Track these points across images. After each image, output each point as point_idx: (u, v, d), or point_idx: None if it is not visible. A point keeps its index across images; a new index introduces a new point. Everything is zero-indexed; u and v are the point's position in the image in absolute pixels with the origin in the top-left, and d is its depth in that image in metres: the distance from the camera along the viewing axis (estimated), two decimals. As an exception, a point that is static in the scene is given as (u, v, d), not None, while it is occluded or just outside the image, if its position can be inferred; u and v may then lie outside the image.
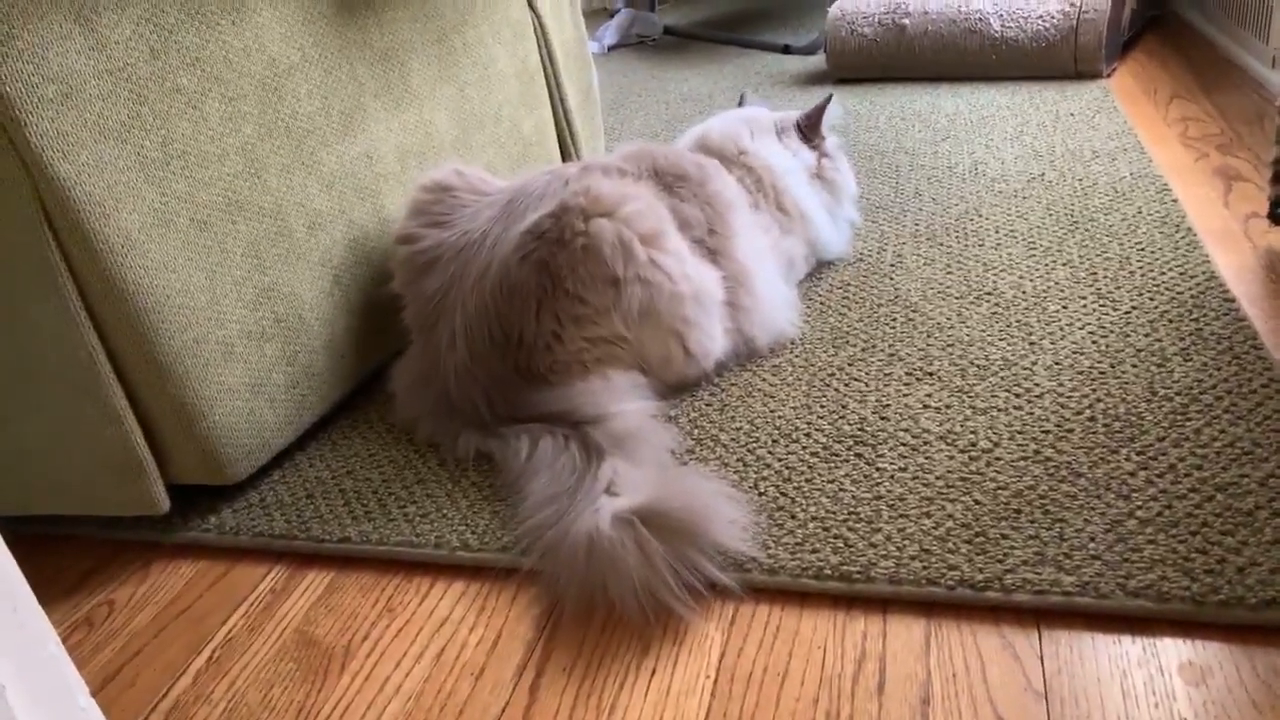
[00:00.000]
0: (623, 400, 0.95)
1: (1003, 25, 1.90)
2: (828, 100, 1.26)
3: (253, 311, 0.94)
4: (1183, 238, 1.17)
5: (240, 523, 0.94)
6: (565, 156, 1.53)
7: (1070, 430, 0.87)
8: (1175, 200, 1.27)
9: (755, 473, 0.89)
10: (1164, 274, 1.10)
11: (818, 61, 2.25)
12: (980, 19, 1.92)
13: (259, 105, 0.94)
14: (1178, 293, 1.06)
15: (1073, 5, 1.83)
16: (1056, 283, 1.12)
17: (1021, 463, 0.84)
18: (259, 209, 0.95)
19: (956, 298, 1.13)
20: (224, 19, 0.90)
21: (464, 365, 0.98)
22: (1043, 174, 1.43)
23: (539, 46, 1.43)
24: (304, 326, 1.01)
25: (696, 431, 0.97)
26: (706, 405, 1.01)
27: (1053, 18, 1.85)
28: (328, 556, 0.90)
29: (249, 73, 0.93)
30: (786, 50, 2.41)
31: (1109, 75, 1.85)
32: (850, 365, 1.03)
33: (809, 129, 1.26)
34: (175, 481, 0.94)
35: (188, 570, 0.91)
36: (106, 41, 0.80)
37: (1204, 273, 1.09)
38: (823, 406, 0.97)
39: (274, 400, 0.97)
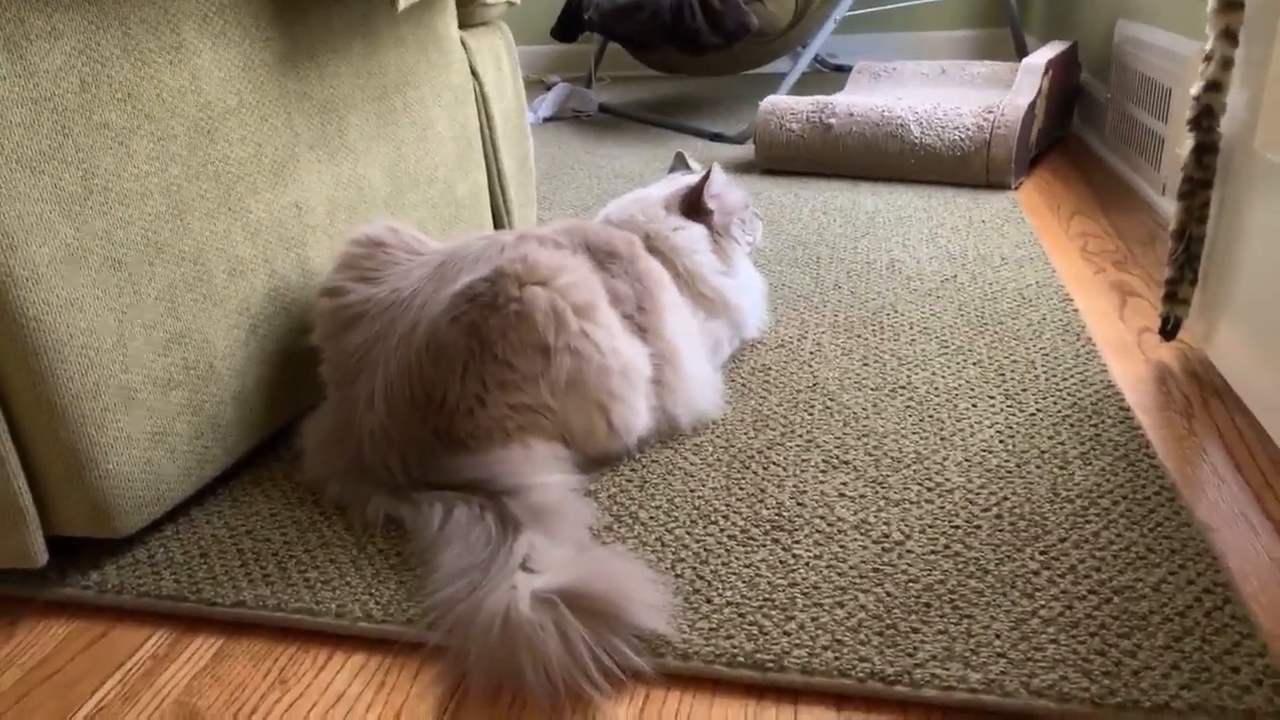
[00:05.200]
0: (543, 471, 0.94)
1: (922, 132, 2.00)
2: (706, 175, 1.21)
3: (161, 357, 0.90)
4: (1083, 346, 1.24)
5: (125, 580, 0.88)
6: (498, 223, 1.53)
7: (978, 527, 0.90)
8: (1076, 310, 1.35)
9: (673, 553, 0.88)
10: (1066, 380, 1.16)
11: (746, 151, 2.33)
12: (901, 125, 2.02)
13: (189, 147, 0.92)
14: (1079, 398, 1.11)
15: (986, 120, 1.95)
16: (967, 381, 1.17)
17: (932, 556, 0.86)
18: (178, 252, 0.91)
19: (872, 389, 1.16)
20: (161, 58, 0.88)
21: (381, 425, 0.95)
22: (955, 276, 1.50)
23: (479, 112, 1.44)
24: (214, 375, 0.97)
25: (616, 508, 0.96)
26: (627, 481, 1.00)
27: (968, 129, 1.96)
28: (218, 621, 0.85)
29: (182, 113, 0.91)
30: (716, 138, 2.49)
31: (1017, 187, 1.97)
32: (769, 449, 1.04)
33: (689, 210, 1.22)
34: (58, 533, 0.88)
35: (60, 630, 0.85)
36: (35, 70, 0.77)
37: (1102, 381, 1.15)
38: (741, 489, 0.98)
39: (175, 450, 0.92)
